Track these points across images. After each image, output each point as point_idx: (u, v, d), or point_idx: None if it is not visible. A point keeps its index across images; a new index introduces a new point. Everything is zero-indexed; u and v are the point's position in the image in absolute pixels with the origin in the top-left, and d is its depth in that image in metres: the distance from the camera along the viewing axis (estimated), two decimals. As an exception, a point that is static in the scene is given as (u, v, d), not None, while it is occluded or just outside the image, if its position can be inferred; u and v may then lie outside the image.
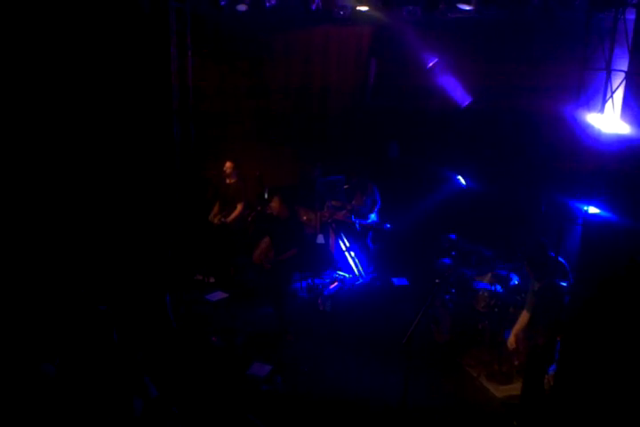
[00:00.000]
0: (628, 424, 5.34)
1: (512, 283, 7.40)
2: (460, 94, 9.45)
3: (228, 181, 9.12)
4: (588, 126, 6.31)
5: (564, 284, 6.96)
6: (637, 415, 5.28)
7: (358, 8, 8.67)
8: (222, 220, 9.13)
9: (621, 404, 5.38)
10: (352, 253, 9.85)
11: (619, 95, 6.23)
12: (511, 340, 6.18)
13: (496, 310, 7.18)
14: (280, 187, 8.82)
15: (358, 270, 9.84)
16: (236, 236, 9.22)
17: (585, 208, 6.26)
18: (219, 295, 8.71)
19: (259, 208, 9.26)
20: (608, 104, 6.22)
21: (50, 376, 5.26)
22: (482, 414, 6.38)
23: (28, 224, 8.02)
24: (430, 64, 9.50)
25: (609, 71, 6.19)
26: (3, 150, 7.85)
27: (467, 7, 7.92)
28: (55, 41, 7.91)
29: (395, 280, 9.44)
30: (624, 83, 6.09)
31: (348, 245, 9.84)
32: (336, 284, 9.46)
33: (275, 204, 7.72)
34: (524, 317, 6.14)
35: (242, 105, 9.88)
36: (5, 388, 5.01)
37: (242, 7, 8.53)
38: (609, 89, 6.20)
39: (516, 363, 6.88)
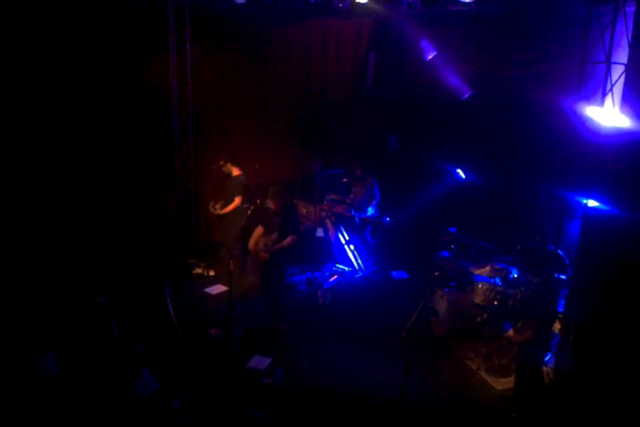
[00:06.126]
0: (629, 418, 5.36)
1: (511, 276, 7.40)
2: (459, 87, 9.42)
3: (229, 174, 9.08)
4: (588, 119, 6.30)
5: (563, 277, 6.97)
6: (636, 408, 5.31)
7: (358, 1, 8.64)
8: (214, 210, 9.12)
9: (621, 396, 5.40)
10: (351, 247, 9.86)
11: (618, 88, 6.23)
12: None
13: (495, 303, 7.20)
14: (280, 180, 8.80)
15: (358, 264, 9.84)
16: (232, 228, 9.19)
17: (584, 201, 6.27)
18: (219, 289, 8.74)
19: (258, 201, 9.24)
20: (608, 97, 6.22)
21: (50, 370, 5.27)
22: (481, 406, 6.39)
23: (29, 217, 8.03)
24: (429, 57, 9.47)
25: (609, 64, 6.18)
26: (5, 143, 7.88)
27: (467, 0, 7.91)
28: (51, 35, 7.90)
29: (394, 273, 9.47)
30: (624, 76, 6.09)
31: (347, 238, 9.84)
32: (335, 277, 9.47)
33: (269, 196, 7.61)
34: None
35: (241, 98, 9.84)
36: (5, 382, 5.02)
37: (240, 0, 8.50)
38: (609, 82, 6.19)
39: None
